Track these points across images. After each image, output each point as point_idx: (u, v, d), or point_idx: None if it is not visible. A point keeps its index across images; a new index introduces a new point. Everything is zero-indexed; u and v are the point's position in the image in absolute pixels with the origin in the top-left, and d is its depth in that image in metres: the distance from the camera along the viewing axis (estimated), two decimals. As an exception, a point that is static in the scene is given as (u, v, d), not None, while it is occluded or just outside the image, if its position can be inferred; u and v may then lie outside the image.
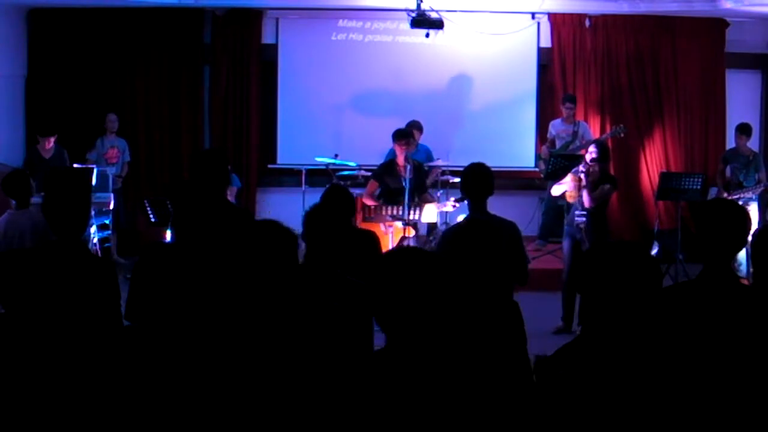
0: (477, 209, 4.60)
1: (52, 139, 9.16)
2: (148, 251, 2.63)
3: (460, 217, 6.02)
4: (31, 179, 5.75)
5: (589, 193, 6.87)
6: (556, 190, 7.43)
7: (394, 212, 7.47)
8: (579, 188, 7.00)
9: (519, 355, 3.19)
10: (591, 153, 7.03)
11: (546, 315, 7.01)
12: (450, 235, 3.45)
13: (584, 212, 6.94)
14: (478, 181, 4.61)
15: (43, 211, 3.75)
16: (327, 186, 4.80)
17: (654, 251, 9.28)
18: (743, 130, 9.30)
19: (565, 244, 7.28)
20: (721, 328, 2.74)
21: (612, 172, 10.39)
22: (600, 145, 7.38)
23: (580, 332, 2.32)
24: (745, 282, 5.36)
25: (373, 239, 4.95)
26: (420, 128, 9.32)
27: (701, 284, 2.88)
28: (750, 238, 3.09)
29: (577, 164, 7.28)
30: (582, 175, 6.92)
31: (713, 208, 2.96)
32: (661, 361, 2.22)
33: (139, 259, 2.52)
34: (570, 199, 7.26)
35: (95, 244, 8.61)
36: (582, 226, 6.90)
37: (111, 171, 9.50)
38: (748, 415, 2.59)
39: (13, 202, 5.61)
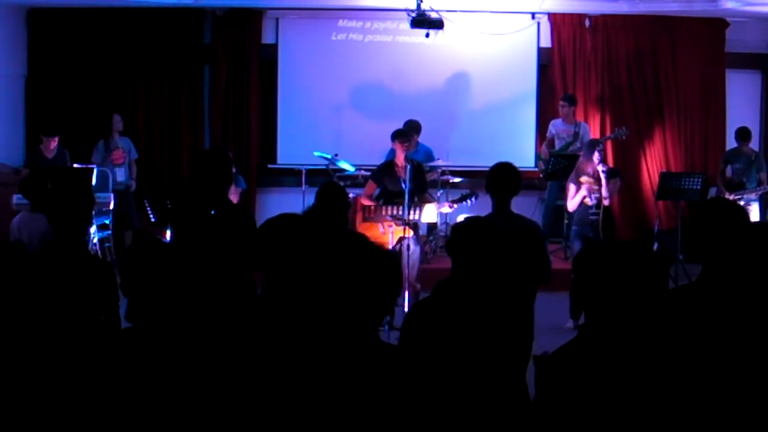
0: (501, 208, 4.60)
1: (56, 140, 9.14)
2: (138, 248, 2.62)
3: (461, 217, 6.02)
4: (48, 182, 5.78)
5: (608, 190, 7.20)
6: (572, 204, 7.42)
7: (394, 212, 7.45)
8: (598, 190, 7.22)
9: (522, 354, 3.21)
10: (597, 158, 7.28)
11: (546, 314, 7.02)
12: (451, 233, 3.47)
13: (598, 210, 7.23)
14: (503, 181, 4.63)
15: (44, 211, 3.74)
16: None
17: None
18: (743, 136, 9.32)
19: (577, 245, 7.41)
20: (723, 329, 2.71)
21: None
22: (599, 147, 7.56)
23: (579, 333, 2.31)
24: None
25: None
26: (417, 129, 9.25)
27: (702, 286, 2.85)
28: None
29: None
30: (603, 175, 7.18)
31: (712, 208, 2.93)
32: (663, 362, 2.21)
33: (129, 256, 2.50)
34: (588, 202, 7.30)
35: (95, 244, 8.61)
36: (597, 224, 7.22)
37: (119, 172, 9.48)
38: (748, 418, 2.58)
39: (15, 199, 5.64)
